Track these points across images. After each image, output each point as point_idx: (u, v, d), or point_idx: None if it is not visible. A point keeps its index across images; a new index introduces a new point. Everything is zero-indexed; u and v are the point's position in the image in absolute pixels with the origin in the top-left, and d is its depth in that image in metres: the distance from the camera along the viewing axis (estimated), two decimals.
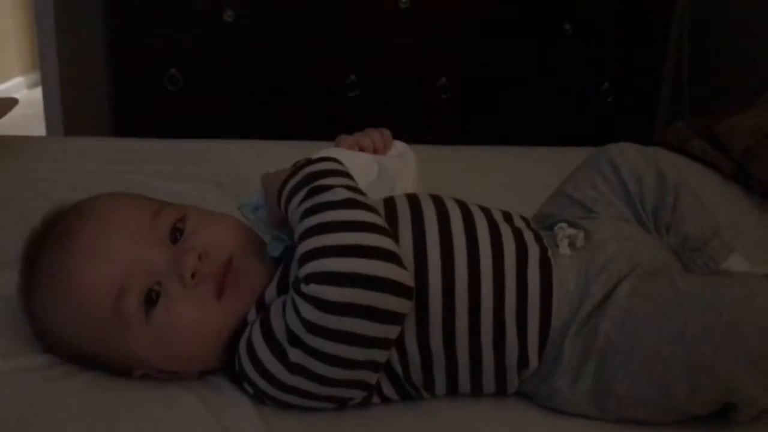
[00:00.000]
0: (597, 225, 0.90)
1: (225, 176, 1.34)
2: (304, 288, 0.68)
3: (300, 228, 0.72)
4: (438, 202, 0.85)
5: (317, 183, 0.75)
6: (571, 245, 0.85)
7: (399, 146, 1.03)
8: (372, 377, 0.75)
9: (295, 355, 0.70)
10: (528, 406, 0.82)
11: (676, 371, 0.76)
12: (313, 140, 2.39)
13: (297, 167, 0.79)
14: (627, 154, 0.98)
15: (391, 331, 0.72)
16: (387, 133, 1.05)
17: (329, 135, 2.46)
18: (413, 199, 0.85)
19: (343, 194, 0.73)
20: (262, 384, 0.74)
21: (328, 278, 0.67)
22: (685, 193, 0.97)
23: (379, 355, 0.73)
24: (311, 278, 0.67)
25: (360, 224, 0.71)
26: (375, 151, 1.03)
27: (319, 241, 0.69)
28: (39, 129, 2.59)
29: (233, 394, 0.77)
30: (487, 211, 0.87)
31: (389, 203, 0.84)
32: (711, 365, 0.75)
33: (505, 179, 1.46)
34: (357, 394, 0.77)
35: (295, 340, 0.70)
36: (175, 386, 0.78)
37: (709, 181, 1.46)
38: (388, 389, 0.79)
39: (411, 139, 2.44)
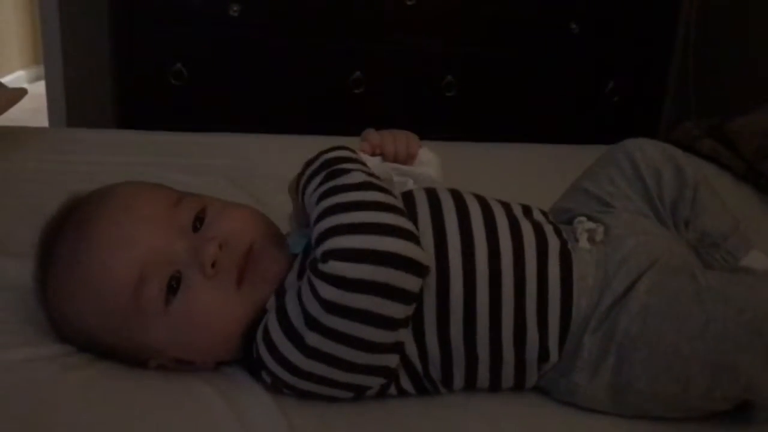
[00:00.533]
0: (615, 219, 0.89)
1: (235, 170, 1.33)
2: (321, 266, 0.67)
3: (317, 210, 0.72)
4: (457, 196, 0.85)
5: (334, 167, 0.75)
6: (591, 239, 0.85)
7: (423, 155, 0.93)
8: (392, 360, 0.75)
9: (311, 338, 0.70)
10: (545, 400, 0.81)
11: (696, 369, 0.75)
12: (319, 134, 2.41)
13: (315, 157, 0.79)
14: (645, 149, 0.97)
15: (406, 311, 0.72)
16: (414, 139, 0.94)
17: (334, 131, 2.46)
18: (431, 194, 0.84)
19: (359, 177, 0.74)
20: (279, 371, 0.73)
21: (345, 255, 0.67)
22: (704, 189, 0.97)
23: (396, 336, 0.73)
24: (329, 255, 0.67)
25: (376, 204, 0.71)
26: (395, 161, 0.94)
27: (336, 220, 0.69)
28: (41, 123, 2.58)
29: (250, 385, 0.77)
30: (506, 206, 0.86)
31: (408, 197, 0.84)
32: (731, 363, 0.75)
33: (513, 176, 1.46)
34: (375, 382, 0.76)
35: (312, 322, 0.69)
36: (192, 377, 0.78)
37: (721, 181, 1.46)
38: (406, 383, 0.78)
39: (418, 136, 2.45)
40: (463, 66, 2.43)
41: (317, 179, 0.75)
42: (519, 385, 0.81)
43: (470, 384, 0.80)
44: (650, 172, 0.95)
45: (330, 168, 0.75)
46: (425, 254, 0.71)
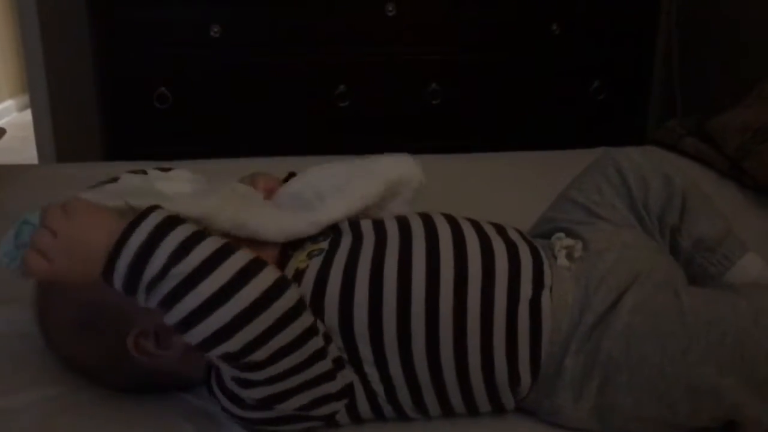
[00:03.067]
0: (595, 233, 0.89)
1: None
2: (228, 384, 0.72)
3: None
4: (427, 220, 0.84)
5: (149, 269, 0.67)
6: (569, 256, 0.84)
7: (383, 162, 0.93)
8: (332, 386, 0.75)
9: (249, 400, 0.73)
10: (534, 422, 0.81)
11: (680, 392, 0.75)
12: (306, 151, 2.41)
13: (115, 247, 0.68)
14: (632, 158, 0.97)
15: (306, 322, 0.71)
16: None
17: (322, 146, 2.48)
18: (402, 221, 0.85)
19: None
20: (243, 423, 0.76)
21: (230, 358, 0.68)
22: (694, 195, 0.96)
23: (324, 347, 0.73)
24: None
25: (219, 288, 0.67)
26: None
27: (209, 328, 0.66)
28: (31, 150, 2.58)
29: (232, 427, 0.77)
30: (478, 227, 0.85)
31: (379, 226, 0.84)
32: (715, 386, 0.75)
33: (501, 186, 1.45)
34: (332, 408, 0.76)
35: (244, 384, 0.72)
36: (175, 415, 0.78)
37: (705, 179, 1.46)
38: (363, 406, 0.78)
39: (404, 146, 2.45)
40: (447, 74, 2.43)
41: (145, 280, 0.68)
42: (498, 409, 0.81)
43: (446, 410, 0.80)
44: (637, 181, 0.95)
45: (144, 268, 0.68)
46: (270, 272, 0.69)
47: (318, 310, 0.75)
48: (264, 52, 2.33)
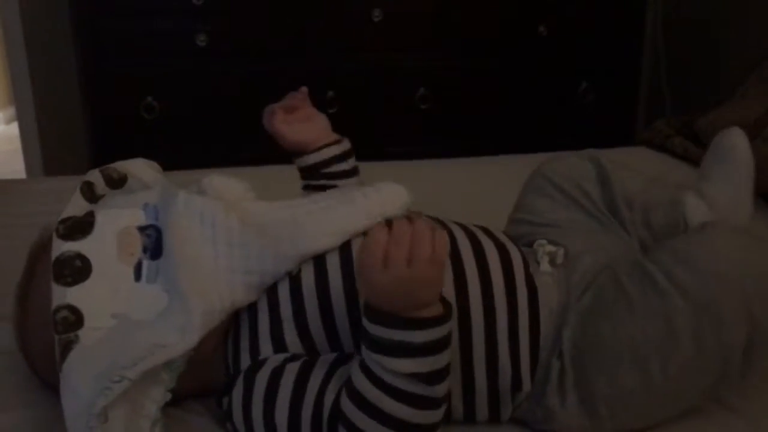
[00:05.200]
0: (574, 239, 0.90)
1: None
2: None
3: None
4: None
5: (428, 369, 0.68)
6: (552, 262, 0.84)
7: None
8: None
9: None
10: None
11: (646, 348, 0.75)
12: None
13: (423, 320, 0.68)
14: (559, 171, 1.00)
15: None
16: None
17: None
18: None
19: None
20: None
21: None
22: (630, 186, 0.99)
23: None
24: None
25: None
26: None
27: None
28: (18, 164, 2.56)
29: None
30: (466, 229, 0.86)
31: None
32: (672, 330, 0.74)
33: (492, 191, 1.45)
34: None
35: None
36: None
37: (692, 178, 1.46)
38: None
39: (395, 151, 2.46)
40: (436, 78, 2.43)
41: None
42: (494, 417, 0.80)
43: (444, 416, 0.79)
44: (575, 190, 0.98)
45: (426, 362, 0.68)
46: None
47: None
48: (250, 60, 2.33)
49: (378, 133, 2.44)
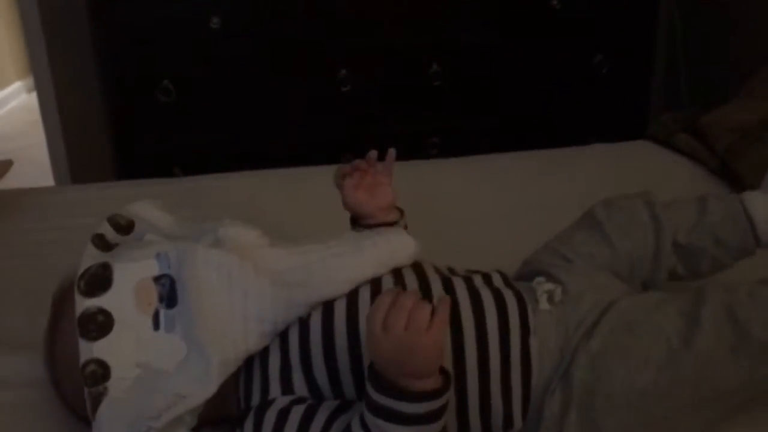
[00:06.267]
0: (574, 276, 0.93)
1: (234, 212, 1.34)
2: None
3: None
4: (419, 272, 0.89)
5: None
6: (550, 300, 0.89)
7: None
8: None
9: None
10: None
11: (654, 398, 0.80)
12: (309, 138, 2.43)
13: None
14: (613, 216, 1.02)
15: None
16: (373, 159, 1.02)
17: (326, 132, 2.49)
18: (398, 275, 0.89)
19: None
20: None
21: None
22: (684, 216, 1.02)
23: None
24: None
25: None
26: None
27: None
28: (39, 135, 2.61)
29: None
30: (468, 279, 0.90)
31: (376, 283, 0.87)
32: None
33: (510, 188, 1.48)
34: None
35: None
36: None
37: (696, 176, 1.49)
38: None
39: (406, 129, 2.48)
40: (448, 54, 2.43)
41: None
42: None
43: None
44: (620, 235, 1.01)
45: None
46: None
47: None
48: (263, 41, 2.34)
49: (390, 110, 2.47)
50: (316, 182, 1.50)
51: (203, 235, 0.88)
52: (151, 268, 0.84)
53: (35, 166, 2.73)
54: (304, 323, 0.84)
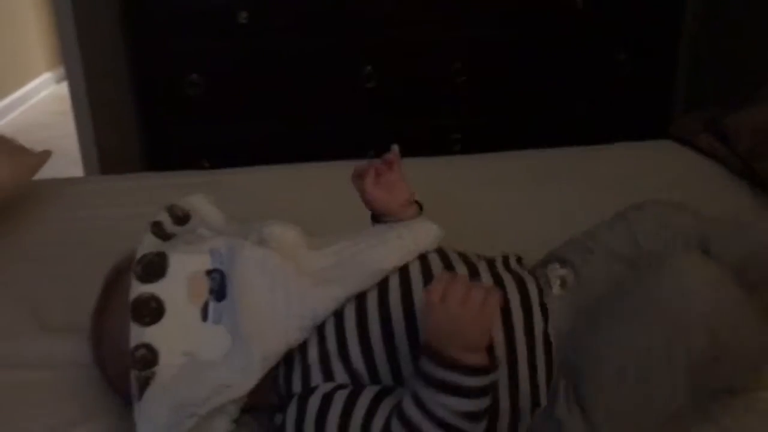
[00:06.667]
0: (589, 264, 0.97)
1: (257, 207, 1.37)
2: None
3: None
4: (446, 261, 0.93)
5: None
6: (563, 285, 0.92)
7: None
8: None
9: None
10: None
11: (635, 362, 0.83)
12: (334, 133, 2.46)
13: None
14: (645, 224, 1.03)
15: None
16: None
17: (350, 127, 2.52)
18: (424, 261, 0.92)
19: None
20: None
21: None
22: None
23: None
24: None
25: None
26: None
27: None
28: (67, 126, 2.66)
29: None
30: (491, 264, 0.94)
31: (404, 271, 0.91)
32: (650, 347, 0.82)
33: (529, 186, 1.49)
34: None
35: None
36: None
37: (717, 176, 1.50)
38: None
39: (431, 124, 2.50)
40: (470, 50, 2.46)
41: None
42: None
43: None
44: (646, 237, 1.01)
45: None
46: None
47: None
48: (290, 36, 2.38)
49: (414, 106, 2.49)
50: (340, 177, 1.54)
51: (250, 233, 0.92)
52: (205, 262, 0.88)
53: (63, 157, 2.78)
54: (338, 314, 0.88)
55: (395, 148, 1.02)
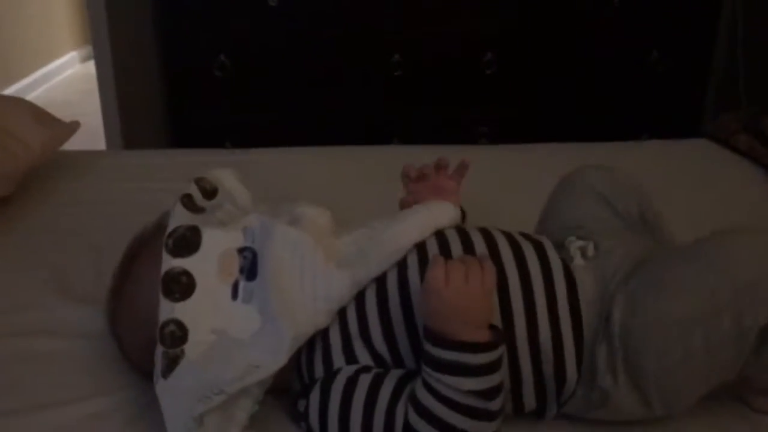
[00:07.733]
0: (603, 235, 0.94)
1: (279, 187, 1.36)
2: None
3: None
4: (464, 235, 0.91)
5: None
6: (584, 255, 0.90)
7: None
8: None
9: None
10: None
11: (690, 324, 0.79)
12: (362, 120, 2.44)
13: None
14: (585, 177, 1.06)
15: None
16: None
17: (376, 115, 2.50)
18: (441, 236, 0.91)
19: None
20: None
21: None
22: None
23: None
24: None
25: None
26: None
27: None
28: (92, 104, 2.66)
29: None
30: (509, 235, 0.92)
31: (421, 248, 0.89)
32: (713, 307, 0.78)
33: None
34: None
35: None
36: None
37: (754, 176, 1.47)
38: None
39: (459, 115, 2.47)
40: (502, 43, 2.43)
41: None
42: (540, 411, 0.86)
43: None
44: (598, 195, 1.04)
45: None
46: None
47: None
48: (320, 22, 2.36)
49: (442, 96, 2.47)
50: (367, 161, 1.52)
51: (281, 213, 0.91)
52: (237, 239, 0.86)
53: (88, 135, 2.78)
54: (359, 296, 0.86)
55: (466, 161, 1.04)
